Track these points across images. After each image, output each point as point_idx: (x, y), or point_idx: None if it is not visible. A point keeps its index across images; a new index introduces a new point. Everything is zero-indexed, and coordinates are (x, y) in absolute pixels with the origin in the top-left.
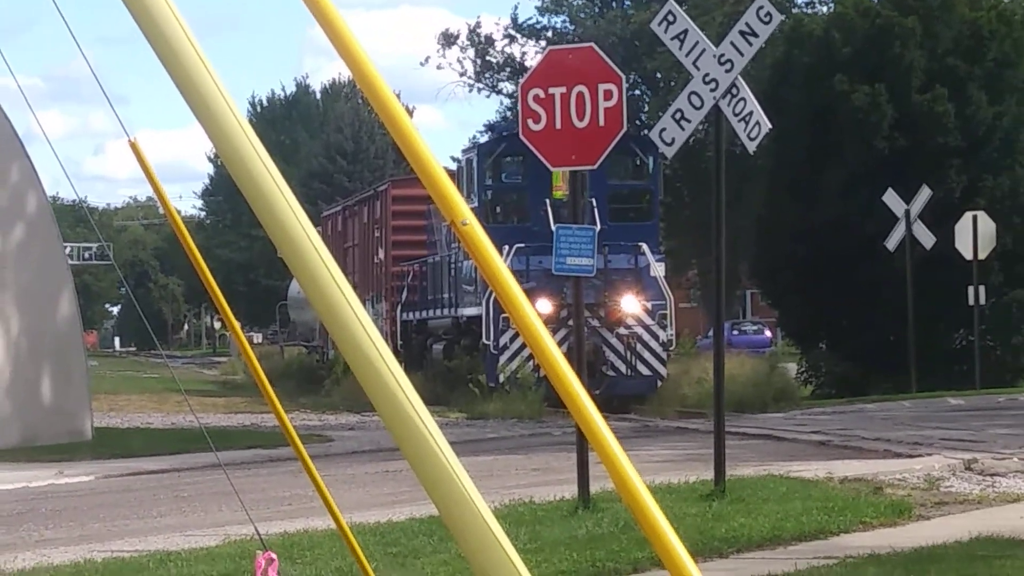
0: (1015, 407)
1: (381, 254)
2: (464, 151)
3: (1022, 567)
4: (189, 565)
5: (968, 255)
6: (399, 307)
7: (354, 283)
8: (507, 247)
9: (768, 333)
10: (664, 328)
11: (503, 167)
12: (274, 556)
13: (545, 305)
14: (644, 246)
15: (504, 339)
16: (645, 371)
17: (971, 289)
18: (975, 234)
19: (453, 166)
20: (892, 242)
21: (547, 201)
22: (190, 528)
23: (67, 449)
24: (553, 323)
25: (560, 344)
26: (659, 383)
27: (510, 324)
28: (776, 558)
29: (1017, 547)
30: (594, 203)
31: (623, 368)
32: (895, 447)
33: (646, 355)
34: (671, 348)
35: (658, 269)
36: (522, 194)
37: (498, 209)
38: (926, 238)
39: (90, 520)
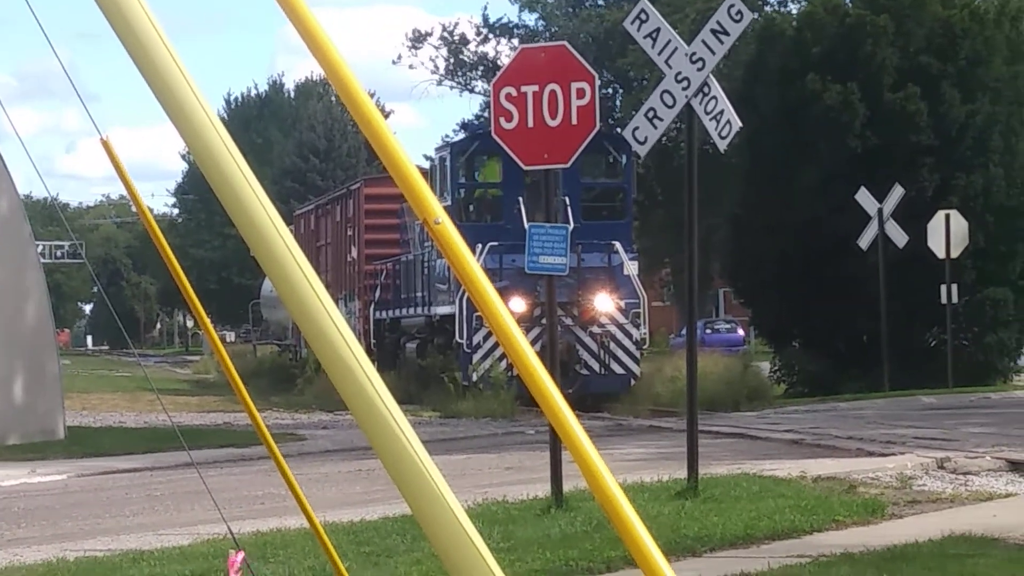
0: (987, 405)
1: (354, 253)
2: (437, 149)
3: (995, 565)
4: (162, 564)
5: (940, 254)
6: (372, 306)
7: (327, 282)
8: (480, 246)
9: (741, 332)
10: (638, 327)
11: (476, 166)
12: (244, 555)
13: (519, 304)
14: (617, 244)
15: (477, 338)
16: (619, 370)
17: (944, 287)
18: (947, 233)
19: (426, 164)
20: (865, 241)
21: (520, 200)
22: (163, 527)
23: (39, 448)
24: (527, 322)
25: (534, 343)
26: (632, 382)
27: (483, 323)
28: (749, 557)
29: (990, 545)
30: (567, 201)
31: (596, 367)
32: (868, 446)
33: (619, 354)
34: (644, 347)
35: (631, 267)
36: (496, 192)
37: (471, 208)
38: (899, 236)
39: (63, 519)
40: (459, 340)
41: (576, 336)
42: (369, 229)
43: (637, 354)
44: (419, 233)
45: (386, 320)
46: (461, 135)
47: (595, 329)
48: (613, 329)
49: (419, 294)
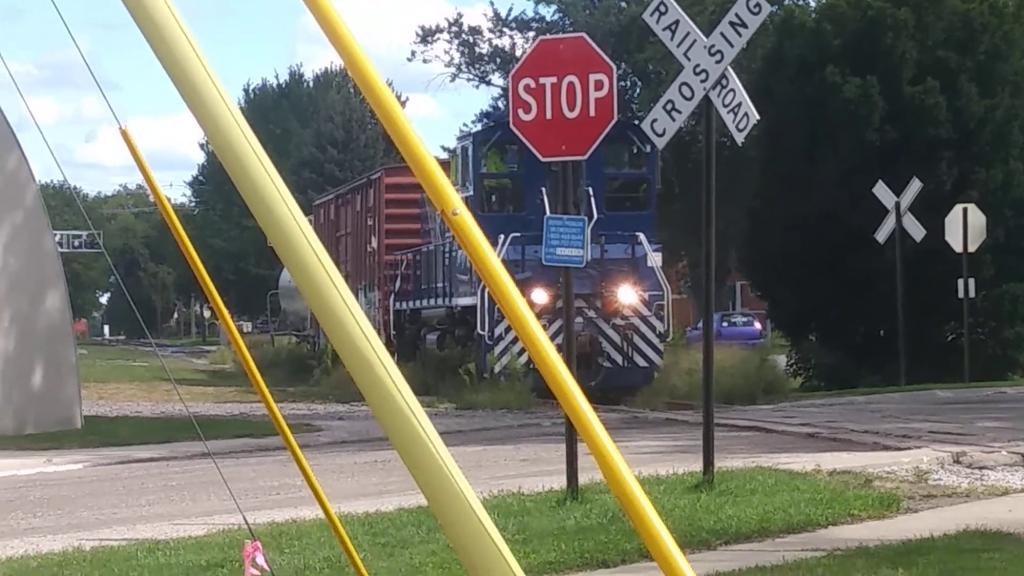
0: (1004, 400)
1: (374, 243)
2: (459, 139)
3: (1010, 560)
4: (177, 554)
5: (958, 248)
6: (392, 296)
7: (346, 272)
8: (502, 236)
9: (758, 325)
10: (661, 319)
11: (499, 155)
12: (259, 545)
13: (541, 295)
14: (641, 236)
15: (499, 329)
16: (641, 362)
17: (961, 282)
18: (965, 227)
19: (444, 155)
20: (882, 234)
21: (543, 190)
22: (178, 517)
23: (56, 437)
24: (549, 313)
25: (556, 335)
26: (656, 375)
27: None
28: (764, 550)
29: (1005, 540)
30: (591, 192)
31: (619, 360)
32: (884, 440)
33: (642, 346)
34: (667, 339)
35: (655, 259)
36: (518, 183)
37: (493, 198)
38: (916, 230)
39: (79, 508)
40: (480, 332)
41: (599, 328)
42: (390, 219)
43: (660, 347)
44: (440, 223)
45: (406, 311)
46: (480, 125)
47: (618, 321)
48: (636, 321)
49: (440, 285)
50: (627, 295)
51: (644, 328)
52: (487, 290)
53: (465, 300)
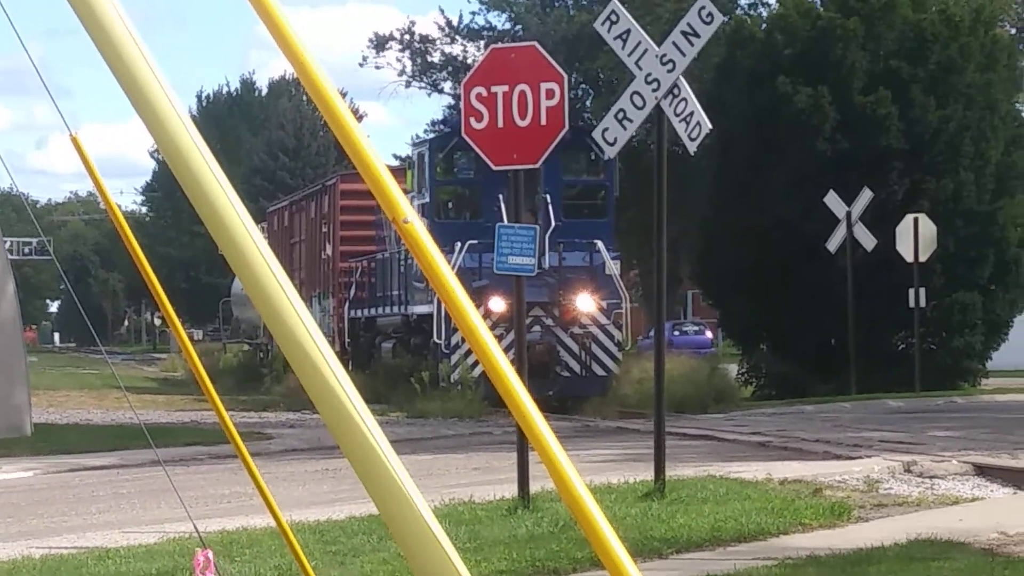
0: (954, 409)
1: (329, 250)
2: (415, 145)
3: (960, 569)
4: (128, 562)
5: (909, 257)
6: (347, 304)
7: (300, 280)
8: (459, 244)
9: (709, 334)
10: (619, 328)
11: (455, 162)
12: (211, 555)
13: (499, 303)
14: (599, 243)
15: (456, 338)
16: (600, 371)
17: (912, 291)
18: (916, 237)
19: (396, 163)
20: (833, 244)
21: (500, 197)
22: (129, 525)
23: (6, 445)
24: (506, 322)
25: (514, 343)
26: (613, 384)
27: None
28: (715, 559)
29: (955, 549)
30: (548, 199)
31: (577, 368)
32: (835, 449)
33: (600, 355)
34: (626, 348)
35: (613, 267)
36: (474, 190)
37: (450, 205)
38: (867, 240)
39: (28, 516)
40: (437, 340)
41: (557, 337)
42: (344, 226)
43: (619, 355)
44: (395, 230)
45: (361, 319)
46: (432, 134)
47: (576, 330)
48: (595, 330)
49: (396, 293)
50: (585, 303)
51: (602, 337)
52: None
53: (421, 308)
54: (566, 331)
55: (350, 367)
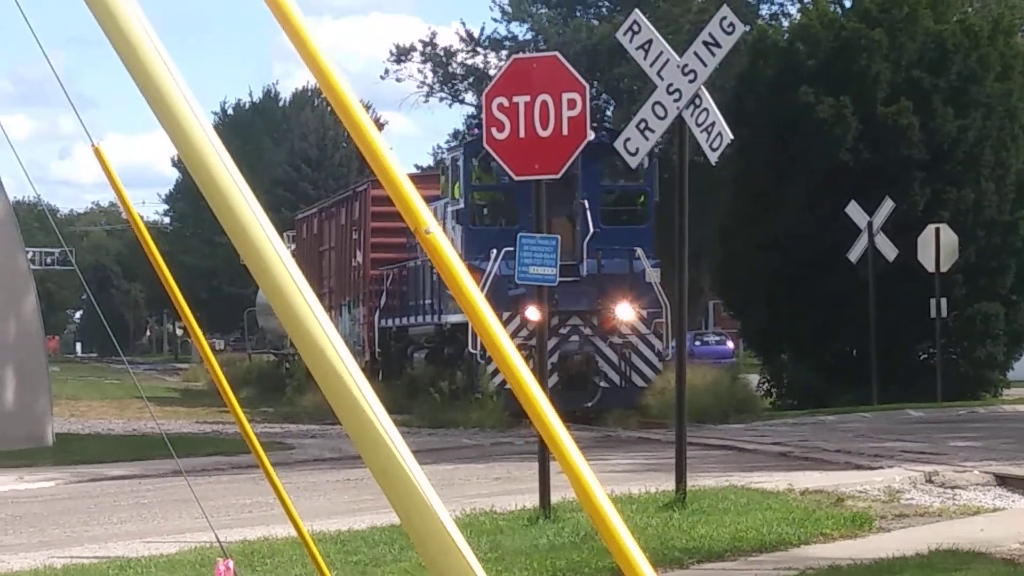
0: (976, 420)
1: (359, 257)
2: (449, 149)
3: None
4: (149, 572)
5: (930, 267)
6: (377, 313)
7: (330, 287)
8: (495, 251)
9: (730, 344)
10: (660, 337)
11: (491, 166)
12: (232, 564)
13: (534, 312)
14: (639, 250)
15: None
16: (640, 382)
17: (933, 301)
18: (937, 247)
19: (416, 172)
20: (854, 254)
21: None
22: (150, 535)
23: (28, 455)
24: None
25: (552, 353)
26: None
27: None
28: (736, 569)
29: (976, 560)
30: (586, 205)
31: (617, 379)
32: (856, 459)
33: (641, 365)
34: (667, 359)
35: (654, 275)
36: (510, 195)
37: (485, 211)
38: (888, 250)
39: (50, 526)
40: (472, 350)
41: (595, 347)
42: (375, 232)
43: (659, 366)
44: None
45: (392, 328)
46: (454, 143)
47: (615, 339)
48: (634, 340)
49: (428, 301)
50: (625, 312)
51: (642, 346)
52: None
53: (455, 317)
54: (605, 340)
55: (380, 377)
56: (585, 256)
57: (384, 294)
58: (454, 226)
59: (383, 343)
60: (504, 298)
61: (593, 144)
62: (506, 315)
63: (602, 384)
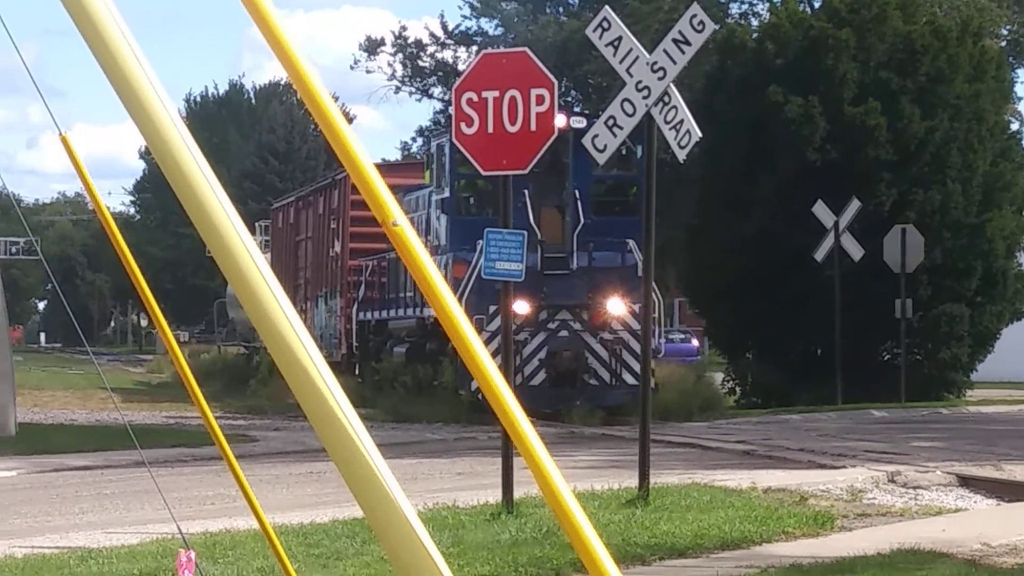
0: (939, 421)
1: (337, 247)
2: (434, 136)
3: None
4: (110, 562)
5: (896, 268)
6: (356, 305)
7: (306, 278)
8: (481, 242)
9: (695, 342)
10: (653, 333)
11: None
12: (194, 555)
13: (522, 306)
14: (631, 243)
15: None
16: (630, 379)
17: (898, 302)
18: (903, 247)
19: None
20: (820, 253)
21: (525, 192)
22: (112, 525)
23: None
24: (531, 326)
25: (540, 348)
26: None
27: (484, 326)
28: (698, 566)
29: (938, 560)
30: (577, 195)
31: (607, 376)
32: (819, 458)
33: (632, 362)
34: (660, 355)
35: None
36: (498, 184)
37: (471, 200)
38: (854, 250)
39: (11, 516)
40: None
41: (585, 342)
42: (355, 222)
43: (651, 363)
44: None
45: (371, 321)
46: (420, 140)
47: (606, 335)
48: (626, 336)
49: (409, 294)
50: (616, 307)
51: (634, 343)
52: (465, 300)
53: None
54: (595, 336)
55: (356, 371)
56: (575, 248)
57: (363, 286)
58: (439, 216)
59: (361, 337)
60: (491, 291)
61: (584, 132)
62: (492, 308)
63: (591, 381)
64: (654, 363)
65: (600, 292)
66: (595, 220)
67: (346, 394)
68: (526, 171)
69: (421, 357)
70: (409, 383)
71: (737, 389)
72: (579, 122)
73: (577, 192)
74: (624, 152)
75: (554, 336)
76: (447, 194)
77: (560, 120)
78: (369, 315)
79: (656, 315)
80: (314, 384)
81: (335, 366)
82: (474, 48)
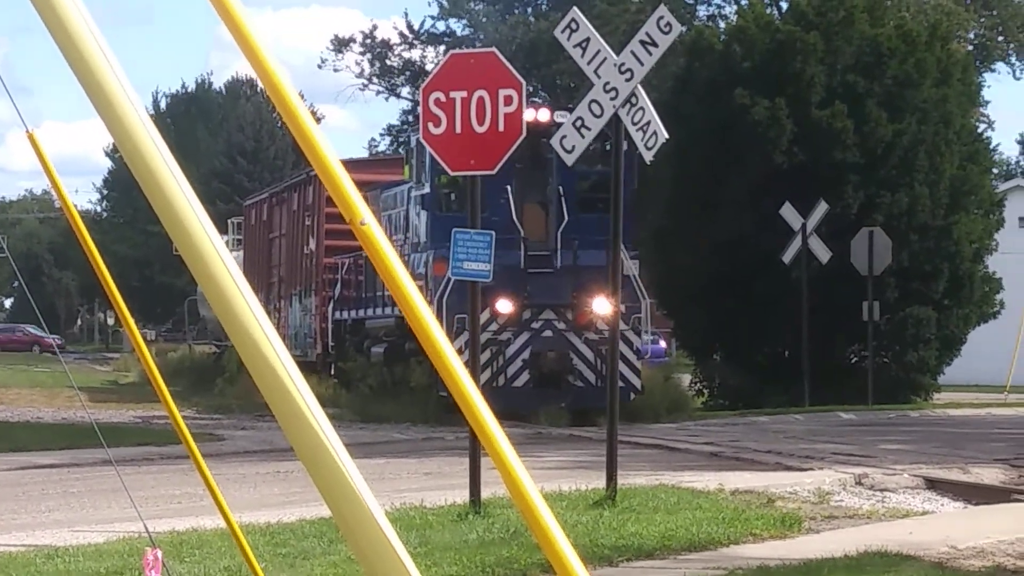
0: (906, 423)
1: (312, 244)
2: (413, 130)
3: None
4: (77, 561)
5: (863, 271)
6: (332, 304)
7: (280, 276)
8: None
9: (663, 343)
10: (639, 334)
11: None
12: (160, 554)
13: (506, 305)
14: None
15: (459, 343)
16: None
17: (865, 305)
18: (870, 250)
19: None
20: (788, 256)
21: (508, 188)
22: (78, 524)
23: None
24: (514, 326)
25: (523, 349)
26: (632, 396)
27: (466, 326)
28: (665, 568)
29: (905, 562)
30: (561, 191)
31: (592, 378)
32: (787, 460)
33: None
34: (645, 356)
35: (632, 267)
36: (480, 179)
37: (452, 196)
38: (822, 252)
39: None
40: None
41: (570, 343)
42: (330, 218)
43: (638, 365)
44: (388, 224)
45: (348, 321)
46: (388, 139)
47: (591, 336)
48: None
49: (387, 293)
50: (602, 306)
51: (620, 343)
52: (447, 299)
53: None
54: (580, 337)
55: (331, 371)
56: (560, 246)
57: (339, 284)
58: (419, 212)
59: (337, 336)
60: (473, 291)
61: None
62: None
63: (577, 383)
64: (640, 364)
65: (585, 291)
66: (580, 217)
67: (320, 394)
68: (494, 172)
69: (399, 357)
70: (374, 384)
71: (705, 391)
72: (564, 116)
73: (561, 188)
74: (608, 148)
75: (538, 336)
76: (427, 190)
77: (544, 114)
78: (345, 314)
79: (642, 315)
80: (282, 383)
81: (310, 366)
82: (442, 48)
